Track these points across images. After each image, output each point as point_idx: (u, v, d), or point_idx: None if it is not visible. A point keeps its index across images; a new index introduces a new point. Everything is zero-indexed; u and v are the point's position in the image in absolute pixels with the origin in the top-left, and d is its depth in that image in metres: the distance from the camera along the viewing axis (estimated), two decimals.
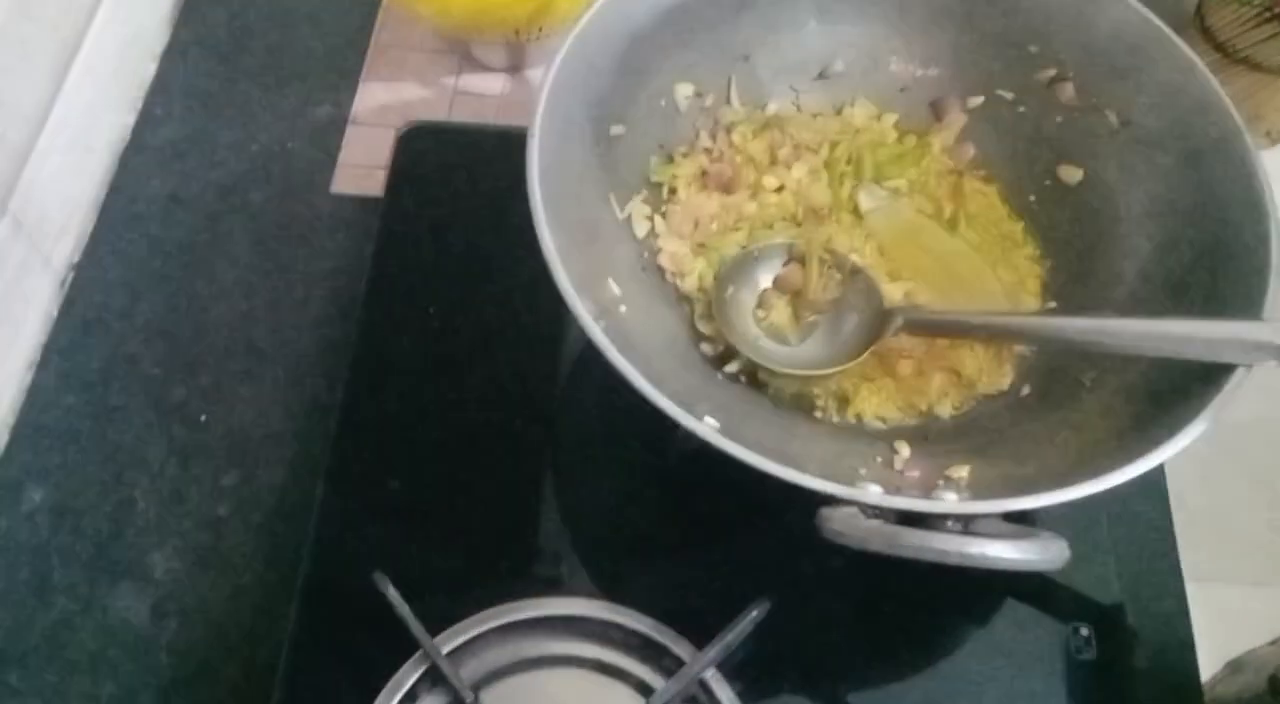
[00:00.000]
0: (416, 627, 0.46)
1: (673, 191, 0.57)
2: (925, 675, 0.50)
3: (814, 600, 0.52)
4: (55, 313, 0.62)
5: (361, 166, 0.68)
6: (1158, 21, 0.52)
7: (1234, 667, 0.81)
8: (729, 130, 0.58)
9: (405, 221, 0.63)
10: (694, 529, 0.54)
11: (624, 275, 0.52)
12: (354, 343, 0.58)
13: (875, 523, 0.39)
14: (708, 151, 0.58)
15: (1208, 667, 0.56)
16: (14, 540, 0.55)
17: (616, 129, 0.54)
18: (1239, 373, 0.42)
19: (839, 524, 0.39)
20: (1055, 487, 0.40)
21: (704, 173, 0.57)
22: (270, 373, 0.60)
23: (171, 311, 0.62)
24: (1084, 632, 0.51)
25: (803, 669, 0.50)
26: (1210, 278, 0.48)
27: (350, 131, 0.69)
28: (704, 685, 0.47)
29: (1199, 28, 0.97)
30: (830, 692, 0.50)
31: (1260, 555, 1.10)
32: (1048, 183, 0.57)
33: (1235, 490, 1.02)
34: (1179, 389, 0.43)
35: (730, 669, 0.47)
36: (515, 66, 0.72)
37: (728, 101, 0.59)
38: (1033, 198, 0.58)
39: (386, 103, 0.71)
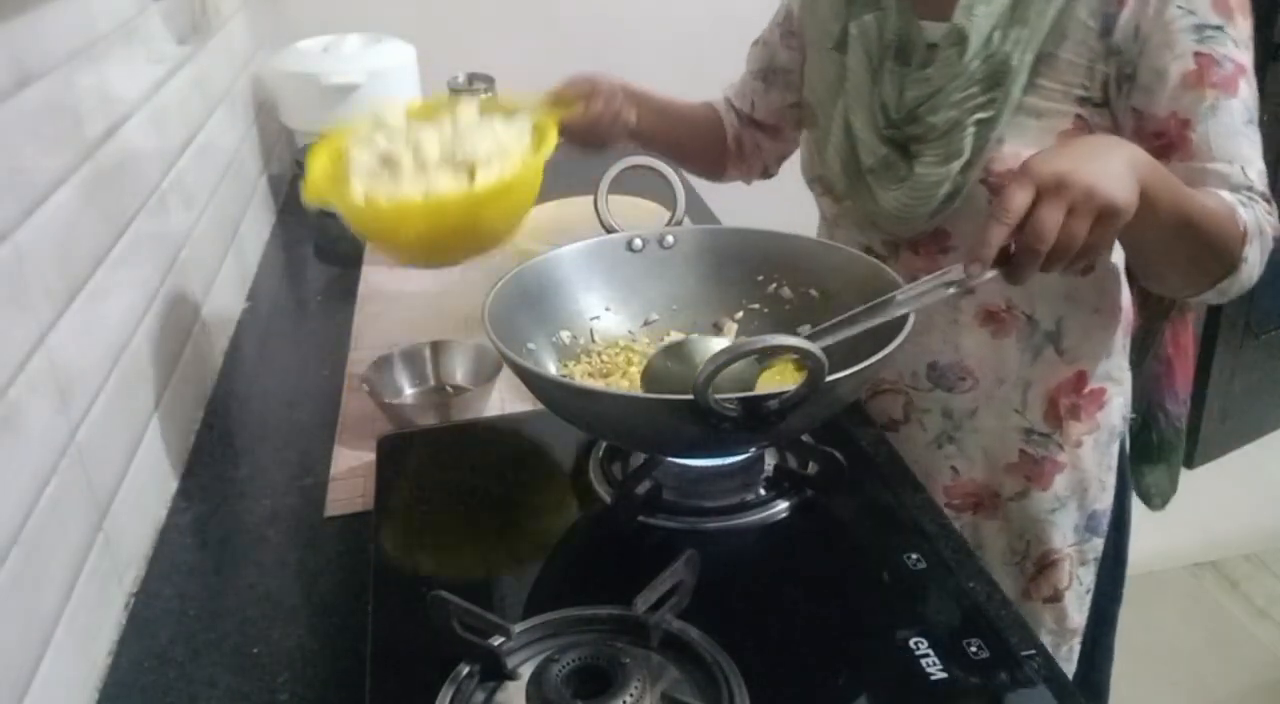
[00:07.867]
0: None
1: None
2: None
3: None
4: None
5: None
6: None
7: None
8: (600, 352, 0.95)
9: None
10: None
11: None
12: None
13: None
14: (589, 357, 0.93)
15: None
16: None
17: (530, 346, 0.89)
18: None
19: None
20: None
21: (589, 373, 0.92)
22: None
23: None
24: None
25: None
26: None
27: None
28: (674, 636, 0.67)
29: None
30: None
31: None
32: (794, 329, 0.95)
33: None
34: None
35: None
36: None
37: (592, 340, 0.96)
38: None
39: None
